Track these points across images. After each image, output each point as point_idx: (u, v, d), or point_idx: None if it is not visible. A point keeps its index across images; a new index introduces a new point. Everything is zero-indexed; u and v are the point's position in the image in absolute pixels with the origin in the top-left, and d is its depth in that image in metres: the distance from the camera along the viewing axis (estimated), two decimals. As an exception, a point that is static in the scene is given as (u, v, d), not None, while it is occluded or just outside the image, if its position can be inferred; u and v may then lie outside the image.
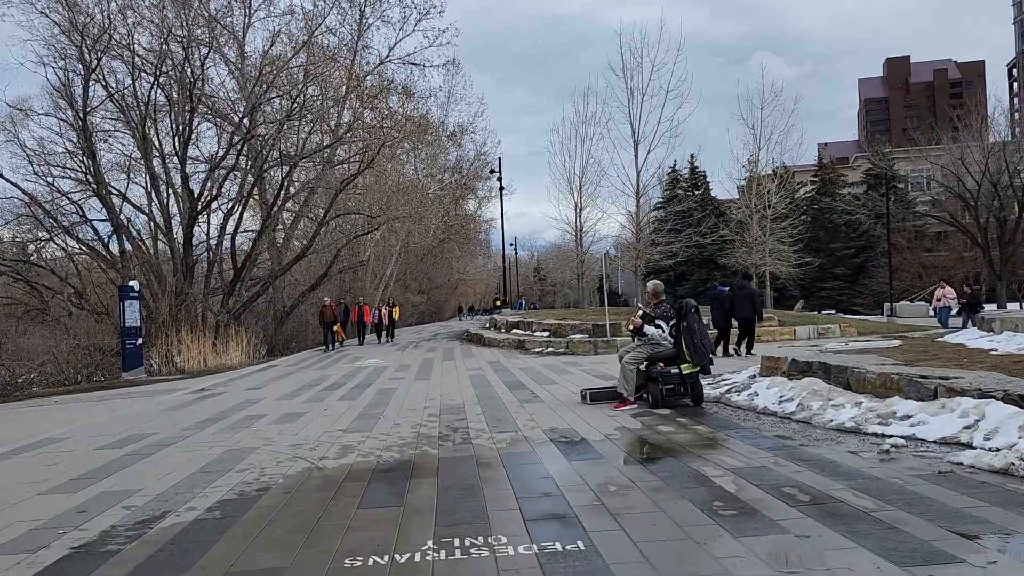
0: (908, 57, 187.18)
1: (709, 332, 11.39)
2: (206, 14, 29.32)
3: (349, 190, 32.90)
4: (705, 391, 9.66)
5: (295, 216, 36.81)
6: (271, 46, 31.01)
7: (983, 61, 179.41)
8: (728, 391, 9.86)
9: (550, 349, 20.94)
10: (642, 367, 9.44)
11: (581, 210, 32.50)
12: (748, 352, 16.45)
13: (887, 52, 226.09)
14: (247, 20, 33.14)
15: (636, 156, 26.01)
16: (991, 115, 50.36)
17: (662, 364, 9.37)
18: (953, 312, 26.59)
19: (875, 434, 6.92)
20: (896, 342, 11.27)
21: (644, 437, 7.57)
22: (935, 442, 6.44)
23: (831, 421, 7.48)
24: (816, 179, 71.37)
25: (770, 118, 38.62)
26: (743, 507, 4.84)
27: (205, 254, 30.44)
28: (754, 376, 10.46)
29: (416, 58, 36.02)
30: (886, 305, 44.96)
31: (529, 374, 15.09)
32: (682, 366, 9.24)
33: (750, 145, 33.25)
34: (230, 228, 30.05)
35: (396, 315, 33.84)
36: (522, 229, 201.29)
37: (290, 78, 28.32)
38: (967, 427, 6.46)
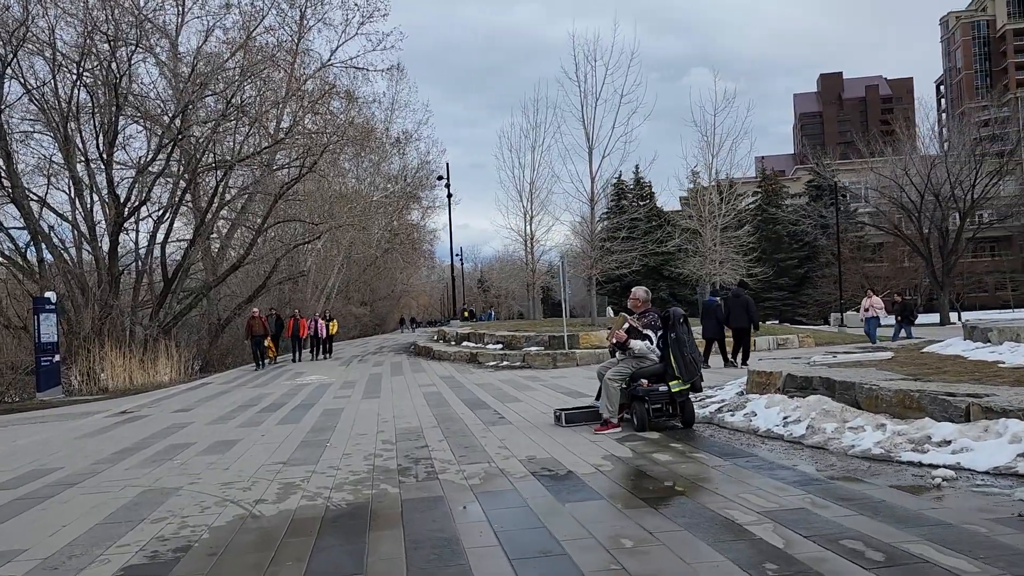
0: (841, 73, 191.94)
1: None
2: (136, 11, 27.55)
3: (289, 196, 31.35)
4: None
5: (231, 224, 34.99)
6: (205, 41, 29.34)
7: (912, 78, 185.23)
8: (718, 410, 8.87)
9: (505, 362, 19.81)
10: (624, 385, 8.38)
11: (532, 218, 31.52)
12: (744, 363, 15.67)
13: (820, 68, 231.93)
14: (180, 19, 31.37)
15: (590, 162, 25.16)
16: (919, 127, 51.60)
17: (647, 381, 8.33)
18: (882, 322, 25.05)
19: (911, 463, 5.96)
20: (887, 353, 10.48)
21: (641, 469, 6.49)
22: (987, 473, 5.51)
23: (852, 447, 6.52)
24: (760, 190, 71.91)
25: (723, 124, 38.09)
26: (806, 572, 3.78)
27: (133, 264, 28.51)
28: (742, 393, 9.51)
29: (359, 62, 34.91)
30: (832, 315, 45.06)
31: (488, 391, 13.94)
32: (671, 383, 8.21)
33: (705, 152, 32.53)
34: (160, 236, 28.23)
35: (334, 329, 30.79)
36: (465, 241, 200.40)
37: (226, 77, 26.73)
38: (1022, 455, 5.55)
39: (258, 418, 11.77)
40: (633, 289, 8.86)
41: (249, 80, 26.65)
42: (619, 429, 8.31)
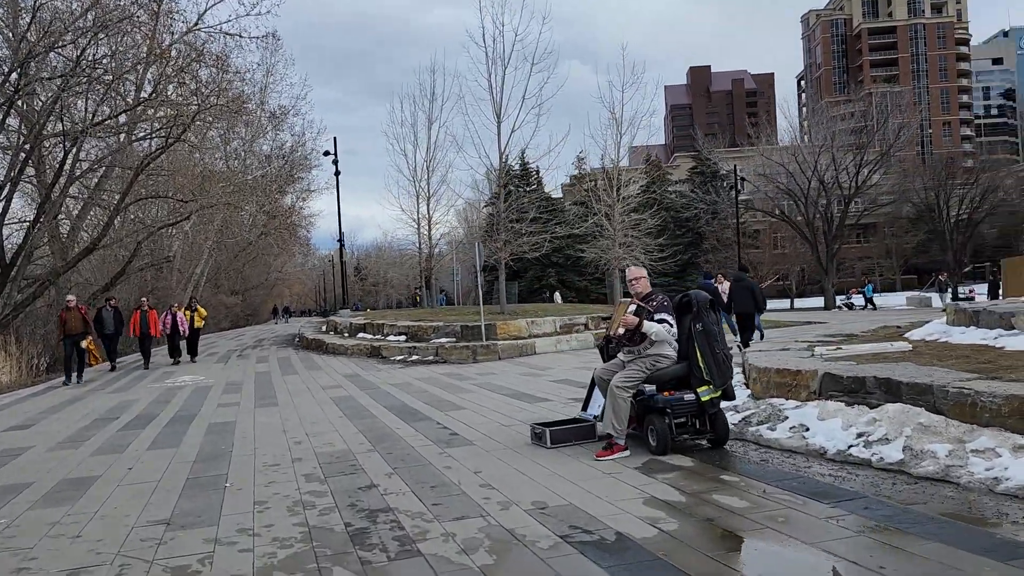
0: (709, 67, 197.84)
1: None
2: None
3: (152, 171, 27.62)
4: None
5: (84, 203, 30.77)
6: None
7: (773, 73, 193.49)
8: (744, 421, 6.97)
9: (415, 357, 17.46)
10: (628, 393, 6.30)
11: (430, 198, 29.17)
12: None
13: (689, 62, 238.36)
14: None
15: (499, 135, 23.05)
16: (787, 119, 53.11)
17: (667, 389, 6.30)
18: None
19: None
20: (903, 344, 8.91)
21: (721, 525, 4.44)
22: None
23: (997, 481, 4.71)
24: (645, 176, 71.89)
25: (632, 100, 36.93)
26: None
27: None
28: (756, 397, 7.66)
29: (231, 27, 31.21)
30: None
31: (413, 393, 11.60)
32: (699, 389, 6.21)
33: (611, 129, 31.01)
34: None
35: (200, 321, 22.92)
36: (342, 227, 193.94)
37: (75, 28, 22.90)
38: None
39: (122, 439, 9.02)
40: (630, 268, 6.80)
41: (103, 33, 22.93)
42: (627, 452, 6.26)
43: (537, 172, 67.57)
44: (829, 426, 6.05)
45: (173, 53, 29.60)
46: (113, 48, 25.28)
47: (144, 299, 21.63)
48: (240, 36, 33.00)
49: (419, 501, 5.31)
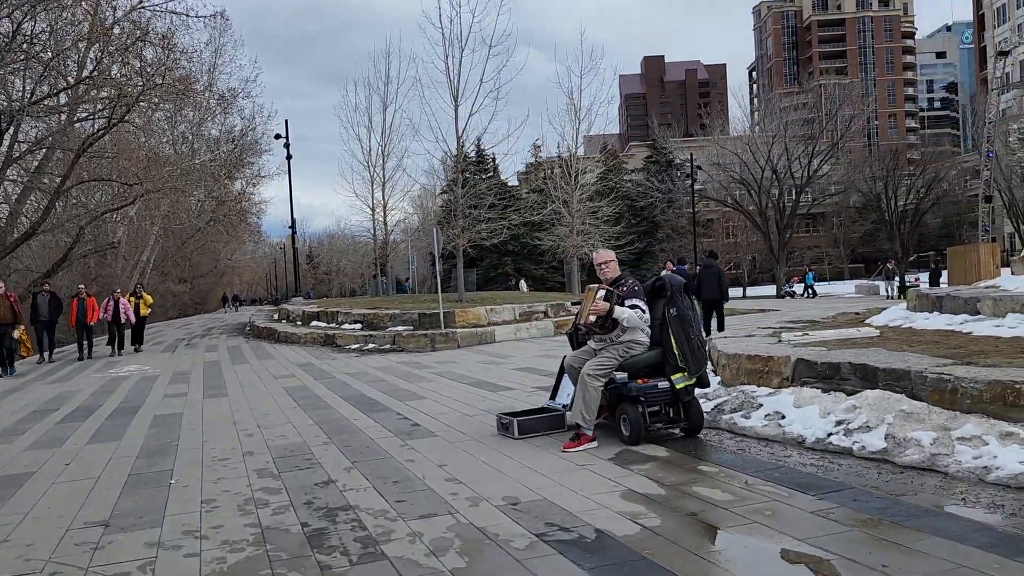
0: (663, 56, 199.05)
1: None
2: None
3: (95, 152, 26.57)
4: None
5: (24, 187, 29.55)
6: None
7: (725, 64, 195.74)
8: (716, 409, 6.75)
9: (371, 345, 17.03)
10: (600, 382, 6.03)
11: (385, 183, 28.60)
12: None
13: (643, 52, 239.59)
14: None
15: (456, 118, 22.62)
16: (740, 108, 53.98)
17: (640, 377, 6.04)
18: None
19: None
20: (871, 330, 8.81)
21: (703, 517, 4.19)
22: None
23: (988, 470, 4.54)
24: (601, 165, 71.92)
25: (590, 87, 36.73)
26: None
27: None
28: (727, 384, 7.46)
29: (178, 6, 30.31)
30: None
31: (370, 383, 11.21)
32: (673, 377, 5.96)
33: (569, 115, 30.73)
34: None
35: (145, 309, 21.31)
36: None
37: (9, 2, 21.81)
38: None
39: (61, 432, 8.49)
40: (598, 251, 6.51)
41: (41, 7, 21.90)
42: (596, 443, 5.99)
43: (493, 159, 67.18)
44: (806, 413, 5.86)
45: (117, 31, 28.57)
46: (52, 24, 24.21)
47: (82, 286, 20.40)
48: (187, 15, 32.00)
49: (382, 498, 4.97)
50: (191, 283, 63.75)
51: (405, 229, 58.48)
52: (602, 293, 6.07)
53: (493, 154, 67.60)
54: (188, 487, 5.59)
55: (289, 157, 29.41)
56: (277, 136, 30.37)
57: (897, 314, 10.84)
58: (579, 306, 6.56)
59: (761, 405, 6.32)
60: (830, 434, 5.48)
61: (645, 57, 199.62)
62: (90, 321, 19.10)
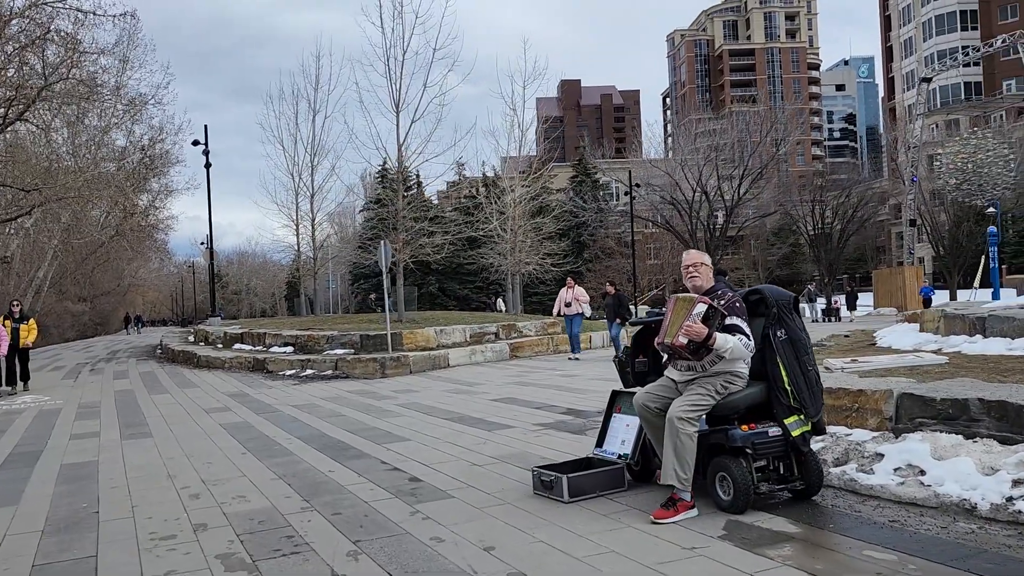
0: (579, 80, 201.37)
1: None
2: None
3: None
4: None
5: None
6: None
7: (639, 90, 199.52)
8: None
9: (310, 371, 15.15)
10: (695, 427, 4.57)
11: (313, 195, 26.66)
12: None
13: (560, 75, 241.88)
14: None
15: (398, 126, 20.97)
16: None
17: (745, 423, 4.61)
18: (586, 316, 17.57)
19: None
20: (939, 357, 7.62)
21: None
22: None
23: None
24: (528, 185, 71.07)
25: (533, 97, 35.61)
26: None
27: None
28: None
29: (84, 3, 27.61)
30: (643, 308, 44.92)
31: (327, 418, 9.43)
32: (786, 420, 4.55)
33: (508, 118, 29.43)
34: None
35: (31, 336, 15.79)
36: (200, 233, 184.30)
37: None
38: None
39: (-67, 492, 6.47)
40: (688, 252, 5.05)
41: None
42: (696, 511, 4.52)
43: (417, 176, 65.42)
44: (957, 468, 4.53)
45: (15, 28, 25.90)
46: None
47: None
48: (95, 14, 29.46)
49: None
50: (91, 302, 59.53)
51: (321, 246, 56.24)
52: (701, 308, 4.60)
53: (417, 171, 66.07)
54: (125, 590, 3.85)
55: (208, 165, 27.16)
56: (195, 143, 28.07)
57: (924, 338, 9.78)
58: (654, 317, 5.12)
59: (881, 455, 4.96)
60: (1010, 498, 4.15)
61: (562, 81, 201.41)
62: None
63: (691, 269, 4.87)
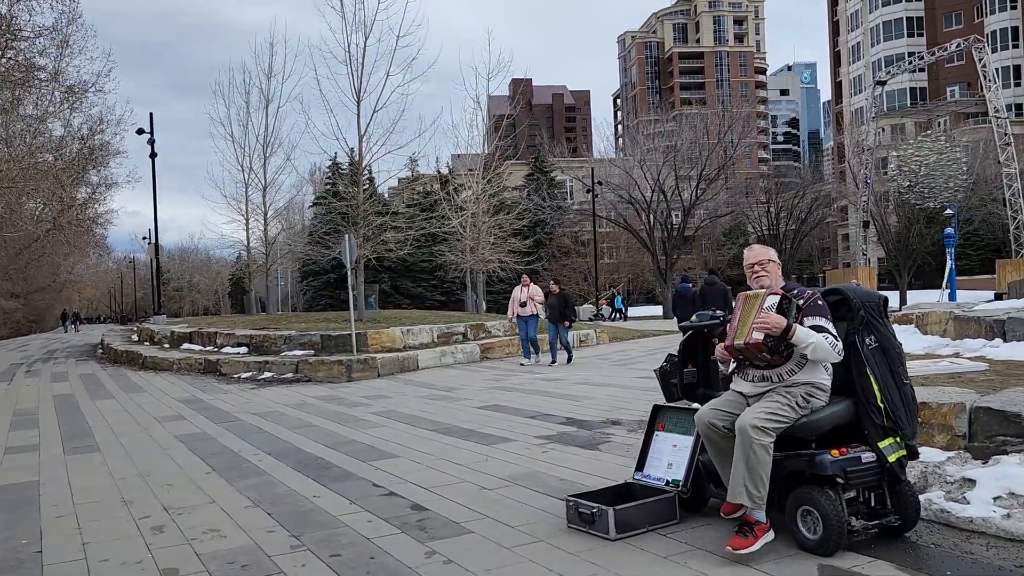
0: (531, 80, 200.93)
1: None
2: None
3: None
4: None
5: None
6: None
7: (589, 91, 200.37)
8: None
9: (268, 374, 14.13)
10: (771, 438, 3.85)
11: (266, 188, 25.48)
12: None
13: (511, 74, 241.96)
14: None
15: (359, 115, 20.01)
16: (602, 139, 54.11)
17: (811, 442, 3.92)
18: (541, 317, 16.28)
19: None
20: (981, 365, 7.06)
21: None
22: None
23: None
24: (489, 180, 70.26)
25: (498, 90, 34.68)
26: None
27: None
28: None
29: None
30: (586, 307, 44.58)
31: (296, 428, 8.51)
32: (881, 444, 3.87)
33: (471, 111, 28.64)
34: None
35: None
36: (140, 229, 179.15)
37: None
38: None
39: None
40: (752, 248, 4.34)
41: None
42: (772, 534, 3.82)
43: (369, 171, 64.07)
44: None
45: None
46: None
47: None
48: (31, -5, 27.90)
49: None
50: (25, 299, 56.90)
51: (274, 242, 54.63)
52: (774, 300, 3.90)
53: (369, 168, 64.74)
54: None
55: (154, 155, 25.80)
56: (140, 131, 26.64)
57: (932, 341, 9.30)
58: (706, 321, 4.41)
59: (971, 481, 4.32)
60: None
61: (514, 79, 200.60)
62: None
63: (757, 268, 4.17)
